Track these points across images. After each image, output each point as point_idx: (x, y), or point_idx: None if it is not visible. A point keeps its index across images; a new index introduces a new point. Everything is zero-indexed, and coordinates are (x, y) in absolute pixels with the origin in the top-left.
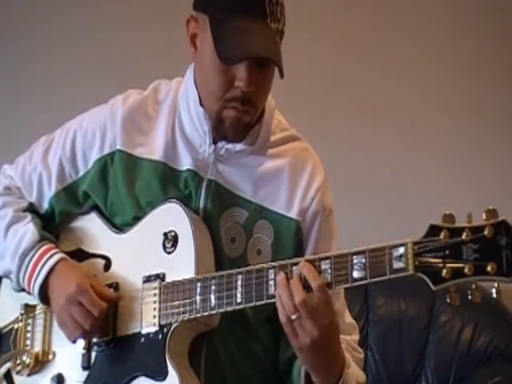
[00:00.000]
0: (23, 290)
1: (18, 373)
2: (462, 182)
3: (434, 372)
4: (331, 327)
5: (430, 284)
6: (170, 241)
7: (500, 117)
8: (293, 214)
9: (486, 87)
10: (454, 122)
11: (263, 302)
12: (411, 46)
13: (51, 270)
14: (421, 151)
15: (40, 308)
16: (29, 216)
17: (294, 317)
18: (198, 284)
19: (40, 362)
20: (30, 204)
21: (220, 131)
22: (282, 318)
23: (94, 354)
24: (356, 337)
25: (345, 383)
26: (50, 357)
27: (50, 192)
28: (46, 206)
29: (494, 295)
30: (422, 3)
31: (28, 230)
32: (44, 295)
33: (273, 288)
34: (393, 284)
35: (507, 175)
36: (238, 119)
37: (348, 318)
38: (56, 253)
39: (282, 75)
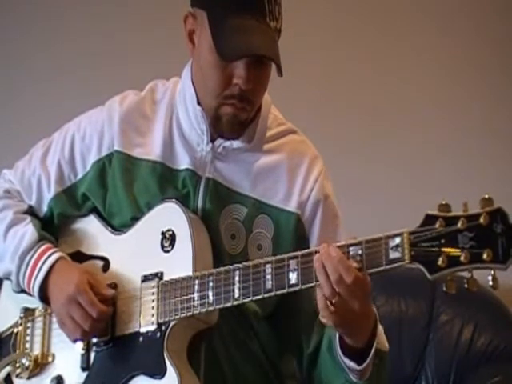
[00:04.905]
0: (23, 290)
1: (17, 376)
2: (459, 174)
3: (434, 372)
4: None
5: (426, 273)
6: (168, 240)
7: (494, 110)
8: (291, 207)
9: (482, 82)
10: (449, 116)
11: (260, 297)
12: (410, 44)
13: (51, 269)
14: (417, 144)
15: (39, 311)
16: (28, 217)
17: (334, 300)
18: (196, 281)
19: (39, 365)
20: (30, 207)
21: (217, 128)
22: (326, 291)
23: (93, 355)
24: None
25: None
26: (50, 359)
27: (49, 194)
28: (45, 208)
29: (491, 283)
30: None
31: (27, 230)
32: (44, 295)
33: (270, 282)
34: (393, 284)
35: (503, 168)
36: (235, 116)
37: None
38: (55, 252)
39: (280, 74)
